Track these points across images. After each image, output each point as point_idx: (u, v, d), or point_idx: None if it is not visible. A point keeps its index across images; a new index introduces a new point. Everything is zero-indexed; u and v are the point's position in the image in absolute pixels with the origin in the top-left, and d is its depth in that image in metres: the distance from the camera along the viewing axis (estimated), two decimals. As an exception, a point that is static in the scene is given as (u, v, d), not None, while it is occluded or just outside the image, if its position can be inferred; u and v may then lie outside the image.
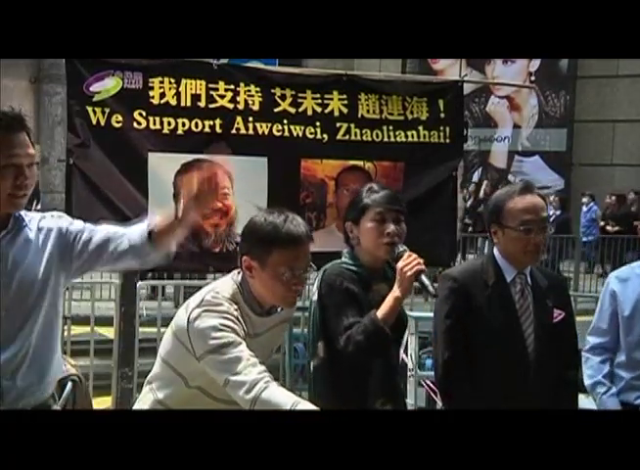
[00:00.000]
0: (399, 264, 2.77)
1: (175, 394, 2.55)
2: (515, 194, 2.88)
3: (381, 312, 2.76)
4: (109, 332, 6.35)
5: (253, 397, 2.26)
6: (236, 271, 2.59)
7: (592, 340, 3.53)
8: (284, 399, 2.26)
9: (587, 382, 3.44)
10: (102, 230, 2.61)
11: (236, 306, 2.47)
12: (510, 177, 16.87)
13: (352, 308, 2.83)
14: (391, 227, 2.89)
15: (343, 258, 2.99)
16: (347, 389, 2.90)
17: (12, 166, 2.36)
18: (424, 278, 2.76)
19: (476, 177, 17.30)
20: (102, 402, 5.30)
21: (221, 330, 2.37)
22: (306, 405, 2.23)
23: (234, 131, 4.27)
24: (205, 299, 2.46)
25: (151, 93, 4.09)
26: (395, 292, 2.77)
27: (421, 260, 2.78)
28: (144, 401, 2.62)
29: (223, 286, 2.54)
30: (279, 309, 2.61)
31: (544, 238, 2.88)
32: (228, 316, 2.41)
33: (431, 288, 2.77)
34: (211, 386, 2.50)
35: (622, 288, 3.44)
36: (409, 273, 2.74)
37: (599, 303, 3.55)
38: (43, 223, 2.55)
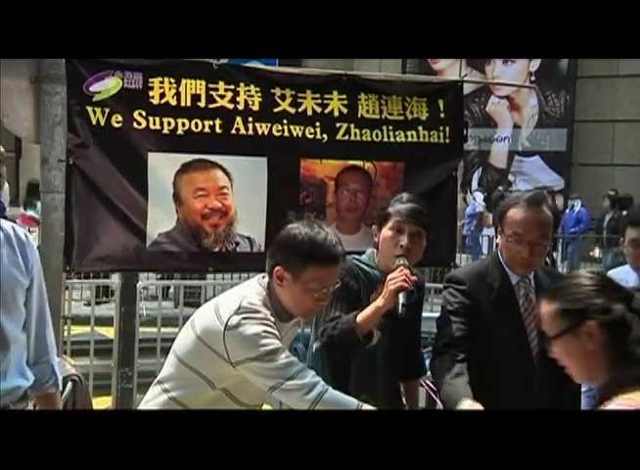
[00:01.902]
0: (389, 276, 2.82)
1: (197, 395, 2.54)
2: (520, 203, 2.85)
3: (360, 316, 2.81)
4: (109, 332, 6.35)
5: (315, 397, 2.32)
6: (260, 276, 2.59)
7: None
8: (348, 400, 2.36)
9: None
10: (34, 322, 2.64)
11: (269, 312, 2.48)
12: (510, 177, 16.88)
13: (344, 303, 2.90)
14: (405, 240, 2.94)
15: (363, 256, 3.06)
16: (342, 374, 2.97)
17: None
18: (400, 296, 2.78)
19: (476, 177, 17.31)
20: (102, 402, 5.31)
21: (266, 337, 2.40)
22: (370, 408, 2.30)
23: (234, 131, 4.26)
24: (241, 305, 2.45)
25: (151, 93, 4.09)
26: (378, 301, 2.82)
27: (410, 278, 2.81)
28: (155, 402, 2.61)
29: (253, 291, 2.54)
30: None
31: (537, 252, 2.84)
32: (269, 323, 2.44)
33: (399, 309, 2.78)
34: (238, 389, 2.52)
35: None
36: (391, 288, 2.78)
37: None
38: (18, 232, 2.59)
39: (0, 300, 2.48)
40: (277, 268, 2.49)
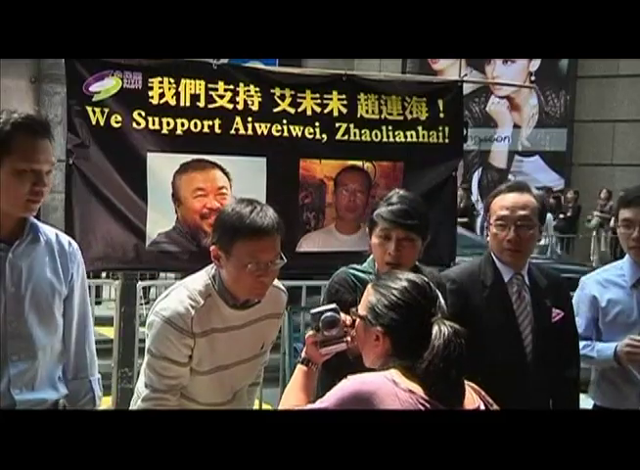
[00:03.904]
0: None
1: None
2: (503, 189, 2.94)
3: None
4: (109, 332, 6.35)
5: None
6: (211, 265, 2.60)
7: None
8: None
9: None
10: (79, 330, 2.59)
11: (202, 302, 2.48)
12: (510, 177, 16.87)
13: None
14: (392, 248, 2.69)
15: (364, 263, 2.86)
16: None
17: (31, 172, 2.33)
18: None
19: (476, 177, 17.31)
20: (102, 402, 5.30)
21: (165, 342, 2.46)
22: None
23: (233, 131, 4.27)
24: (169, 293, 2.53)
25: (150, 93, 4.09)
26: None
27: None
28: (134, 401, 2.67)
29: (196, 279, 2.56)
30: (255, 300, 2.58)
31: (524, 236, 2.84)
32: (181, 327, 2.45)
33: None
34: (189, 389, 2.53)
35: (602, 292, 3.20)
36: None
37: (575, 307, 3.18)
38: (62, 240, 2.52)
39: (33, 307, 2.39)
40: (212, 248, 2.49)
